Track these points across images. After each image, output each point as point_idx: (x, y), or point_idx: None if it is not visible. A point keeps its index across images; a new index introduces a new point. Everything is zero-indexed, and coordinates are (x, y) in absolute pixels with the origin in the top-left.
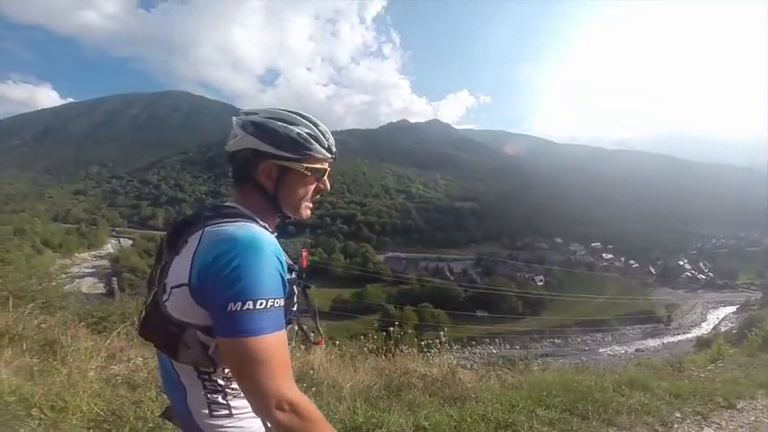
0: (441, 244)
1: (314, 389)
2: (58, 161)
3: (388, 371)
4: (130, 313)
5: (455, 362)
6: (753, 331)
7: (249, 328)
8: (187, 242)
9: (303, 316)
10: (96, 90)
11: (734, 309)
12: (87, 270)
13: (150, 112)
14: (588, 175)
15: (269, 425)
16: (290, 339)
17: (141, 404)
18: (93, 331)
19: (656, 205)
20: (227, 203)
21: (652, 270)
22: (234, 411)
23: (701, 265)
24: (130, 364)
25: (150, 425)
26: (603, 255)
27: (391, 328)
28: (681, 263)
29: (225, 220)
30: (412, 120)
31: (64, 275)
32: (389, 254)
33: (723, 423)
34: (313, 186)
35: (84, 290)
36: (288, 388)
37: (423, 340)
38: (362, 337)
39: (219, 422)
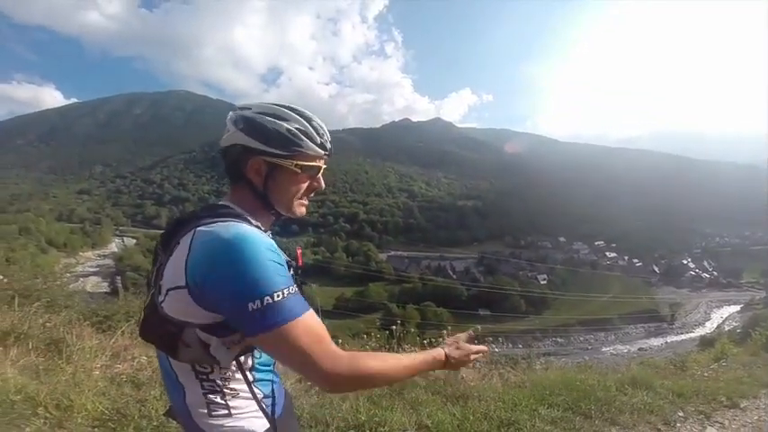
0: (443, 242)
1: (317, 387)
2: (63, 161)
3: None
4: (134, 312)
5: None
6: (757, 330)
7: (278, 320)
8: (179, 243)
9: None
10: (100, 90)
11: (738, 308)
12: (91, 269)
13: (153, 112)
14: (592, 174)
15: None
16: None
17: (146, 403)
18: (97, 330)
19: (660, 204)
20: (220, 203)
21: (656, 269)
22: (233, 411)
23: (705, 263)
24: (135, 363)
25: (154, 423)
26: (607, 253)
27: (394, 327)
28: (685, 261)
29: (216, 219)
30: (414, 118)
31: (68, 274)
32: (392, 252)
33: (726, 422)
34: (305, 184)
35: (89, 289)
36: (335, 363)
37: (425, 339)
38: (365, 336)
39: (219, 422)
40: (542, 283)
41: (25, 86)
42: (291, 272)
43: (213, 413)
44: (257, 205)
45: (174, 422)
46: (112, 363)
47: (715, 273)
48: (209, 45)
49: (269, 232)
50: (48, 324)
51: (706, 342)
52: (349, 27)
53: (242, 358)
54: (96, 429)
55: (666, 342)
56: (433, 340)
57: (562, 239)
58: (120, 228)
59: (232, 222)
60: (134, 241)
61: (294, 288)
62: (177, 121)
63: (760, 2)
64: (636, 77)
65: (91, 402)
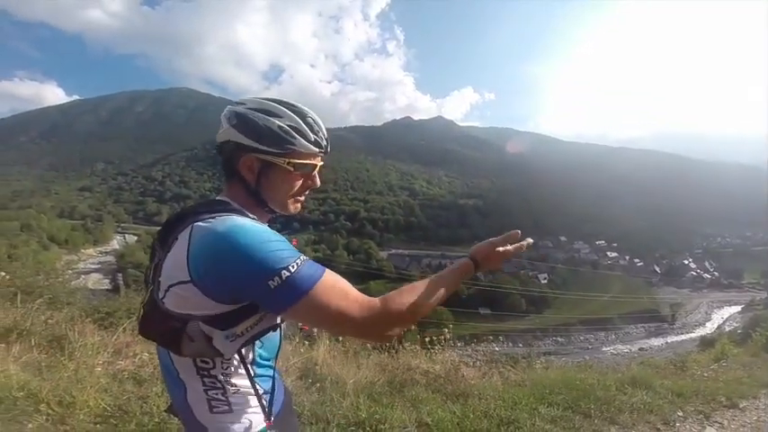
0: (444, 241)
1: (317, 384)
2: (64, 158)
3: (391, 367)
4: (136, 309)
5: (458, 359)
6: (757, 331)
7: (302, 289)
8: (177, 239)
9: None
10: (102, 87)
11: (739, 308)
12: (93, 266)
13: (155, 109)
14: (593, 173)
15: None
16: (293, 336)
17: (147, 399)
18: (99, 327)
19: (662, 204)
20: (217, 198)
21: (657, 269)
22: (234, 407)
23: (707, 264)
24: (136, 360)
25: (156, 420)
26: (608, 253)
27: None
28: (686, 262)
29: (213, 215)
30: (416, 117)
31: (70, 271)
32: (392, 251)
33: (725, 422)
34: (299, 182)
35: (90, 286)
36: (370, 311)
37: (426, 337)
38: None
39: (220, 417)
40: (543, 282)
41: (27, 83)
42: None
43: (214, 409)
44: (251, 202)
45: (176, 419)
46: (114, 359)
47: (716, 273)
48: (211, 42)
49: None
50: (50, 321)
51: (706, 342)
52: (351, 25)
53: (243, 351)
54: (98, 426)
55: (667, 342)
56: (434, 338)
57: (563, 239)
58: (122, 225)
59: (228, 216)
60: (135, 238)
61: (304, 256)
62: (179, 118)
63: (762, 2)
64: (638, 78)
65: (93, 399)
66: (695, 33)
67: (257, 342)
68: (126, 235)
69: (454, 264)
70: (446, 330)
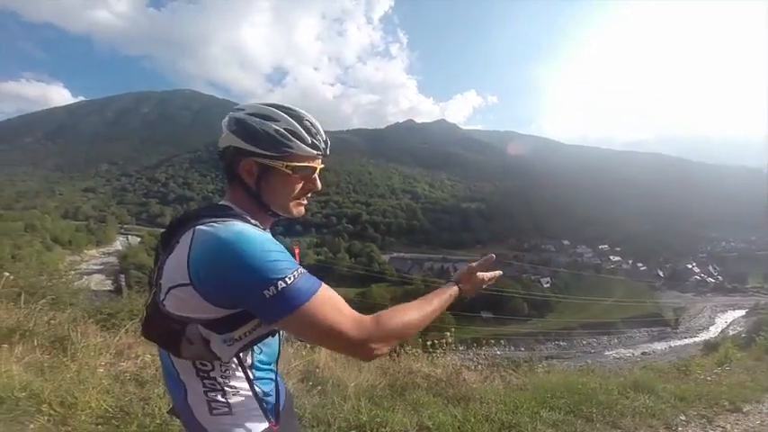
0: (446, 245)
1: (319, 387)
2: (70, 159)
3: (392, 370)
4: (138, 310)
5: (459, 362)
6: (761, 335)
7: (296, 301)
8: (179, 242)
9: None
10: (107, 88)
11: (743, 313)
12: (96, 267)
13: (160, 111)
14: (597, 177)
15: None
16: (295, 339)
17: (149, 401)
18: (101, 328)
19: (665, 207)
20: (221, 203)
21: (660, 273)
22: (234, 409)
23: (710, 268)
24: (138, 361)
25: (158, 421)
26: (611, 257)
27: None
28: (690, 266)
29: (216, 219)
30: (419, 120)
31: (73, 272)
32: (394, 254)
33: (728, 426)
34: (300, 185)
35: (93, 287)
36: (361, 328)
37: (427, 341)
38: None
39: (220, 419)
40: (545, 286)
41: (34, 84)
42: None
43: (214, 411)
44: (253, 206)
45: (177, 420)
46: (116, 361)
47: (720, 277)
48: (216, 44)
49: (268, 231)
50: (53, 321)
51: (710, 346)
52: (354, 28)
53: (242, 355)
54: (100, 427)
55: (670, 346)
56: (436, 342)
57: (566, 242)
58: (125, 226)
59: (231, 221)
60: (138, 240)
61: (302, 269)
62: (184, 120)
63: (766, 4)
64: (642, 81)
65: (95, 400)
66: (702, 35)
67: (256, 347)
68: (129, 236)
69: (444, 292)
70: (448, 334)
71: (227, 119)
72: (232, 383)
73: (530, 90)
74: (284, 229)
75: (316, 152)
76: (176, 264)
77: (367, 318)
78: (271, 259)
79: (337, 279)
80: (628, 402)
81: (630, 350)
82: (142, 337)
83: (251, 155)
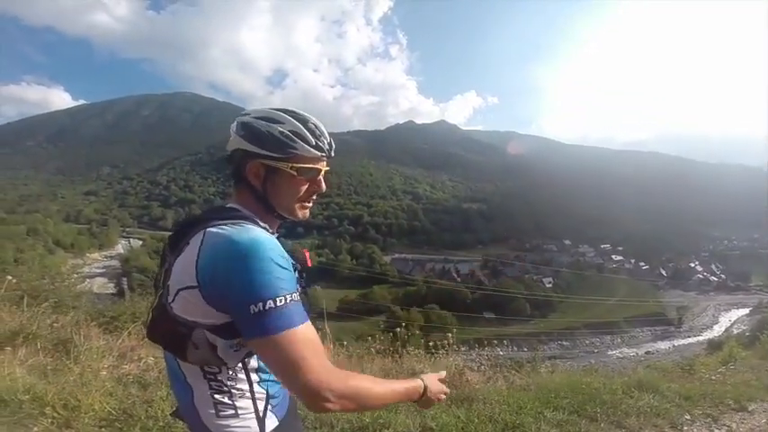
0: (448, 245)
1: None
2: (71, 162)
3: (394, 372)
4: (141, 313)
5: (462, 363)
6: (765, 333)
7: (277, 325)
8: (189, 244)
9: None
10: (107, 91)
11: (746, 311)
12: (98, 270)
13: (161, 114)
14: (598, 176)
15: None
16: None
17: (152, 403)
18: (104, 331)
19: (667, 206)
20: (228, 205)
21: (663, 272)
22: (240, 412)
23: (713, 266)
24: (141, 364)
25: (161, 424)
26: (613, 256)
27: (398, 330)
28: (692, 265)
29: (226, 221)
30: (419, 121)
31: (75, 275)
32: (396, 255)
33: (734, 425)
34: (305, 187)
35: (96, 290)
36: (327, 377)
37: (430, 342)
38: (369, 338)
39: (226, 422)
40: (548, 286)
41: (34, 88)
42: (297, 275)
43: (221, 413)
44: (258, 208)
45: (181, 423)
46: (119, 363)
47: (723, 276)
48: (215, 47)
49: (276, 234)
50: (55, 324)
51: (714, 345)
52: (354, 29)
53: (247, 359)
54: (103, 429)
55: (674, 345)
56: (438, 343)
57: (568, 242)
58: (127, 229)
59: (243, 225)
60: (140, 243)
61: (297, 296)
62: (184, 123)
63: (765, 3)
64: (641, 80)
65: (98, 402)
66: (702, 33)
67: None
68: (131, 239)
69: (412, 383)
70: (450, 335)
71: (234, 123)
72: (239, 386)
73: (530, 90)
74: (286, 231)
75: (320, 154)
76: (185, 265)
77: (339, 370)
78: (273, 274)
79: (339, 281)
80: (632, 402)
81: (634, 349)
82: (145, 340)
83: (257, 157)
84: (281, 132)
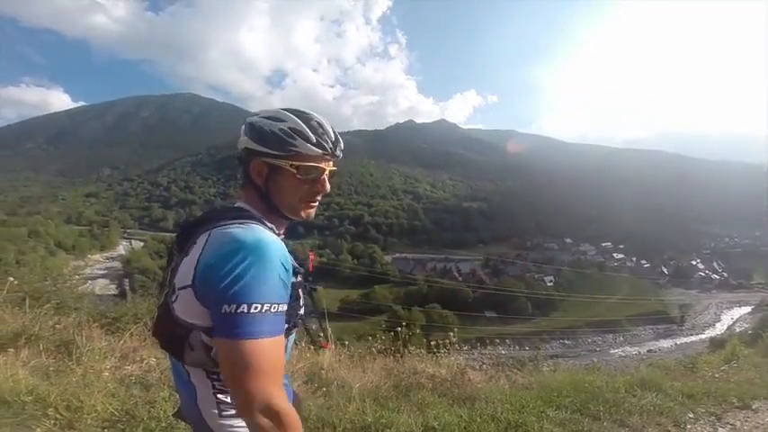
0: (448, 245)
1: (323, 389)
2: (71, 164)
3: (396, 371)
4: (142, 314)
5: (464, 362)
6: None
7: (242, 330)
8: (195, 243)
9: (311, 317)
10: (107, 93)
11: (748, 309)
12: (99, 271)
13: (161, 115)
14: (598, 175)
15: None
16: (299, 341)
17: (155, 404)
18: (106, 332)
19: (668, 204)
20: (236, 205)
21: (664, 270)
22: None
23: (715, 264)
24: (143, 365)
25: (163, 424)
26: (614, 255)
27: (399, 329)
28: (694, 263)
29: (233, 221)
30: (419, 120)
31: (77, 277)
32: (397, 255)
33: (738, 424)
34: (306, 186)
35: (97, 291)
36: (275, 395)
37: (431, 341)
38: (370, 338)
39: (229, 422)
40: (549, 284)
41: (34, 89)
42: (300, 278)
43: (223, 413)
44: (263, 208)
45: (183, 423)
46: (122, 364)
47: (725, 274)
48: (215, 48)
49: (282, 235)
50: (58, 326)
51: (716, 343)
52: (353, 29)
53: None
54: (106, 430)
55: (676, 344)
56: (440, 342)
57: (569, 241)
58: (128, 230)
59: (250, 225)
60: (141, 244)
61: (281, 308)
62: (184, 123)
63: (765, 2)
64: (641, 79)
65: (100, 403)
66: (702, 32)
67: None
68: (132, 240)
69: None
70: (452, 334)
71: (243, 124)
72: None
73: (529, 89)
74: (287, 232)
75: (322, 152)
76: (188, 264)
77: (285, 400)
78: (263, 280)
79: (340, 281)
80: (635, 400)
81: (636, 348)
82: (147, 341)
83: (259, 155)
84: (281, 129)
